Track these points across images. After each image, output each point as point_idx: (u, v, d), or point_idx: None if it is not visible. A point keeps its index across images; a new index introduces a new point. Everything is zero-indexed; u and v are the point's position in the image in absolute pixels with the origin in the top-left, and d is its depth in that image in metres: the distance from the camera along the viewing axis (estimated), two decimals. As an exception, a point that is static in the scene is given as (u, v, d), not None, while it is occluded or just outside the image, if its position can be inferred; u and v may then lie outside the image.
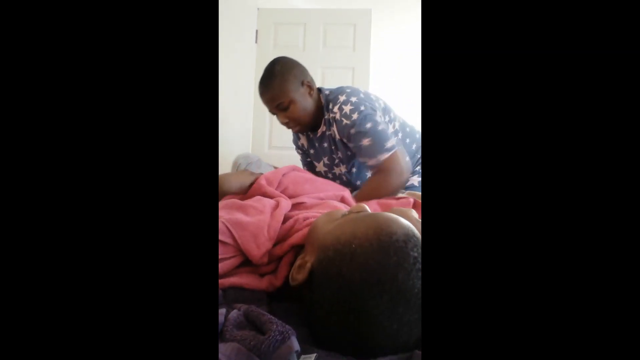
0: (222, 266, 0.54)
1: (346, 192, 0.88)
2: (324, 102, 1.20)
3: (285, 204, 0.67)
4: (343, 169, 1.25)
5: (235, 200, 0.69)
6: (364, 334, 0.39)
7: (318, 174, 1.32)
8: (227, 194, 0.86)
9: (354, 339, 0.40)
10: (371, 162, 1.08)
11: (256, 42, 2.40)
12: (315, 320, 0.44)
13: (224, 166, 2.19)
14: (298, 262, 0.49)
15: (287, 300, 0.53)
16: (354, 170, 1.24)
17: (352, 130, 1.09)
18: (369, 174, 1.24)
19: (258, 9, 2.40)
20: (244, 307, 0.44)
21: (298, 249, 0.58)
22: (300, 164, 1.47)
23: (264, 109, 2.39)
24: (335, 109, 1.12)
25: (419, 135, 1.34)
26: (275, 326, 0.35)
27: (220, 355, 0.34)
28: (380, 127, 1.09)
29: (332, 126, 1.17)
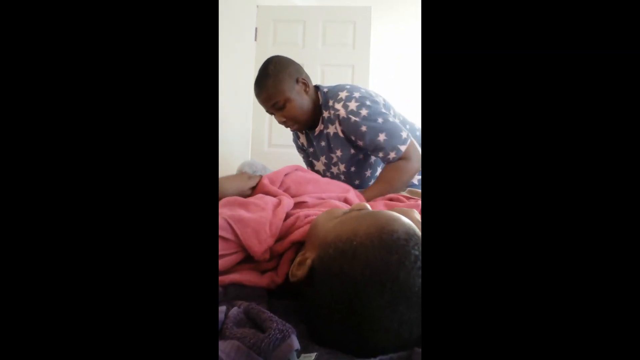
0: (223, 262, 0.54)
1: (350, 193, 0.87)
2: (322, 99, 1.18)
3: (287, 201, 0.68)
4: (342, 167, 1.24)
5: (237, 198, 0.69)
6: (364, 332, 0.39)
7: (317, 172, 1.32)
8: (224, 197, 0.85)
9: (354, 337, 0.40)
10: (392, 155, 1.09)
11: (255, 39, 2.39)
12: (316, 318, 0.44)
13: (224, 164, 2.19)
14: (298, 258, 0.48)
15: (287, 297, 0.53)
16: (352, 169, 1.23)
17: (364, 128, 1.08)
18: (367, 173, 1.25)
19: (257, 6, 2.39)
20: (244, 304, 0.44)
21: (299, 246, 0.58)
22: (303, 163, 1.47)
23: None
24: (339, 106, 1.11)
25: (418, 133, 1.34)
26: (275, 324, 0.35)
27: (220, 353, 0.34)
28: (391, 120, 1.11)
29: (334, 123, 1.15)
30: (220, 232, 0.55)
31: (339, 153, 1.21)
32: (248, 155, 2.40)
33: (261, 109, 2.34)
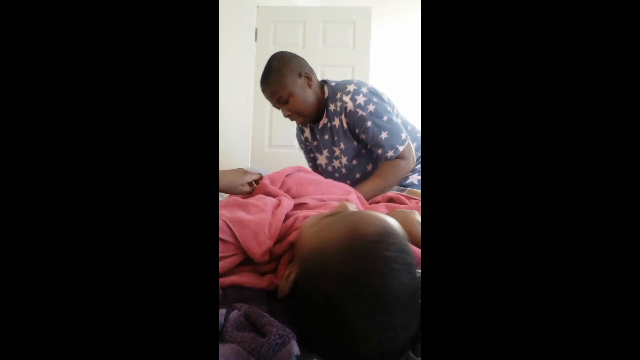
0: (223, 264, 0.54)
1: (352, 195, 0.87)
2: (329, 92, 1.22)
3: (287, 202, 0.67)
4: (344, 160, 1.26)
5: (237, 199, 0.69)
6: (346, 347, 0.38)
7: (319, 165, 1.37)
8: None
9: (339, 352, 0.38)
10: (390, 153, 1.16)
11: (256, 40, 2.39)
12: (303, 332, 0.43)
13: (224, 165, 2.18)
14: (287, 272, 0.48)
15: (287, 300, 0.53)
16: (354, 162, 1.26)
17: (369, 123, 1.14)
18: (369, 167, 1.27)
19: (257, 6, 2.39)
20: (244, 307, 0.43)
21: (297, 247, 0.57)
22: (303, 163, 1.47)
23: (264, 108, 2.40)
24: (347, 99, 1.15)
25: (419, 135, 1.35)
26: (275, 329, 0.35)
27: (219, 357, 0.34)
28: (394, 119, 1.17)
29: (339, 116, 1.19)
30: (220, 234, 0.55)
31: (342, 146, 1.24)
32: (248, 155, 2.40)
33: (262, 109, 2.35)
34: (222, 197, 1.10)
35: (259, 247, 0.55)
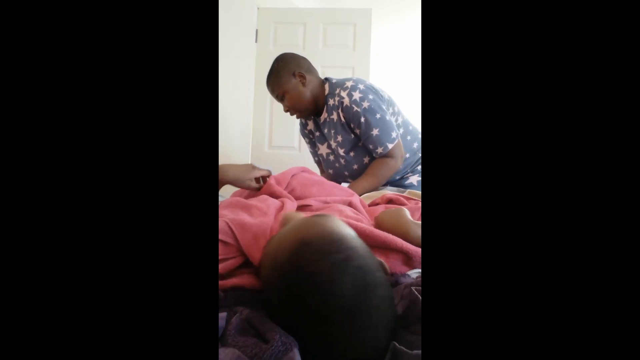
0: (224, 266, 0.54)
1: (354, 197, 0.87)
2: (330, 89, 1.30)
3: (291, 205, 0.67)
4: (341, 152, 1.33)
5: (240, 200, 0.69)
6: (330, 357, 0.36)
7: (320, 155, 1.45)
8: (222, 183, 0.85)
9: None
10: (379, 150, 1.23)
11: (256, 41, 2.39)
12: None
13: (224, 166, 2.18)
14: None
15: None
16: (351, 154, 1.32)
17: (362, 119, 1.21)
18: (366, 160, 1.32)
19: (258, 8, 2.39)
20: (245, 311, 0.43)
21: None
22: (303, 164, 1.49)
23: (264, 109, 2.40)
24: (344, 94, 1.23)
25: (420, 135, 1.36)
26: (278, 336, 0.34)
27: (220, 362, 0.33)
28: (387, 118, 1.22)
29: (337, 110, 1.26)
30: (221, 236, 0.55)
31: (339, 138, 1.31)
32: (248, 157, 2.40)
33: (262, 111, 2.35)
34: (222, 197, 1.10)
35: (259, 252, 0.54)
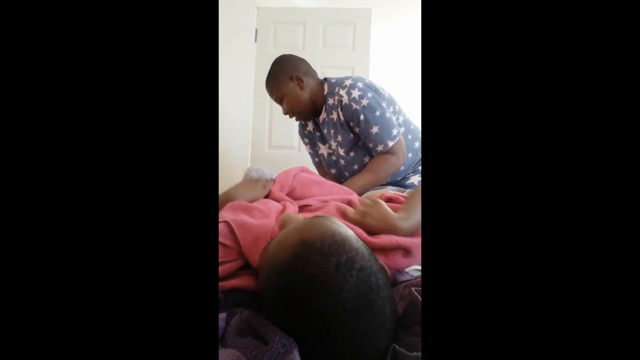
0: (224, 269, 0.54)
1: (353, 196, 0.87)
2: (329, 89, 1.28)
3: (292, 208, 0.67)
4: (341, 152, 1.31)
5: (242, 202, 0.69)
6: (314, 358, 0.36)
7: (321, 155, 1.43)
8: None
9: None
10: (380, 147, 1.20)
11: (255, 41, 2.38)
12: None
13: (224, 166, 2.18)
14: None
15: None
16: (351, 154, 1.30)
17: (362, 117, 1.19)
18: (366, 159, 1.30)
19: (257, 7, 2.38)
20: (245, 312, 0.43)
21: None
22: (302, 164, 1.48)
23: (264, 109, 2.40)
24: (343, 92, 1.21)
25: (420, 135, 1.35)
26: (278, 337, 0.34)
27: (220, 363, 0.33)
28: (387, 115, 1.20)
29: (337, 109, 1.24)
30: (221, 239, 0.55)
31: (339, 138, 1.29)
32: (248, 157, 2.40)
33: (262, 111, 2.34)
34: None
35: (258, 254, 0.54)
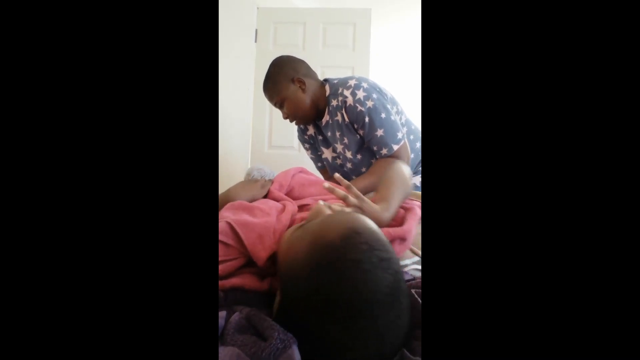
0: (224, 268, 0.54)
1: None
2: (331, 90, 1.23)
3: (292, 207, 0.68)
4: (349, 155, 1.27)
5: (242, 202, 0.69)
6: (337, 355, 0.37)
7: (325, 160, 1.38)
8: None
9: None
10: (384, 151, 1.17)
11: (255, 41, 2.39)
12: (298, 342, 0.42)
13: (224, 166, 2.18)
14: (277, 292, 0.47)
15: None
16: (359, 156, 1.26)
17: (367, 119, 1.15)
18: (373, 161, 1.27)
19: (257, 8, 2.39)
20: (245, 310, 0.43)
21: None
22: (303, 164, 1.47)
23: (264, 109, 2.40)
24: (347, 93, 1.16)
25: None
26: (277, 333, 0.35)
27: (220, 360, 0.34)
28: (392, 118, 1.16)
29: (341, 110, 1.19)
30: (222, 238, 0.55)
31: (345, 140, 1.24)
32: (248, 157, 2.40)
33: (262, 110, 2.34)
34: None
35: (264, 252, 0.54)
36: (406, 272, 0.60)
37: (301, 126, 1.40)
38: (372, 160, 1.27)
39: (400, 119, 1.27)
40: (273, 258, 0.57)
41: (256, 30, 2.39)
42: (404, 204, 0.74)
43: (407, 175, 0.78)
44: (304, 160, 1.51)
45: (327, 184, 0.65)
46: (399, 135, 1.17)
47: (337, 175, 0.66)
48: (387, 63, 3.76)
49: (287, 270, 0.43)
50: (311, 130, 1.39)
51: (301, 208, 0.74)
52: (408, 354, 0.38)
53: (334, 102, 1.22)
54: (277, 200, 0.76)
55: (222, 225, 0.57)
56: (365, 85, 1.17)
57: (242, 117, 2.40)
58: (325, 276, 0.38)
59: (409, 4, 3.16)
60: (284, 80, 1.20)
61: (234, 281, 0.53)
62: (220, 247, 0.55)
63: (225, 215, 0.61)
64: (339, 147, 1.28)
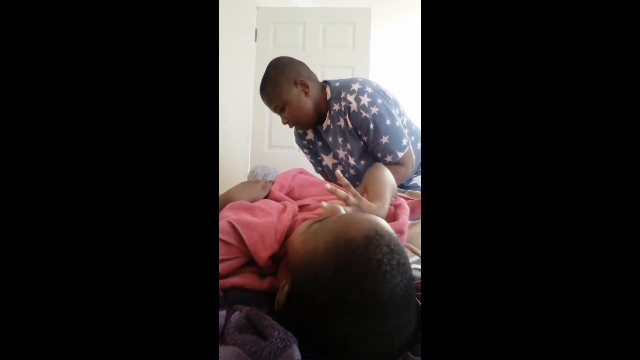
0: (224, 267, 0.54)
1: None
2: (333, 93, 1.17)
3: (292, 207, 0.68)
4: (352, 161, 1.22)
5: (242, 202, 0.69)
6: (341, 353, 0.37)
7: (326, 166, 1.32)
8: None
9: (334, 358, 0.38)
10: (388, 158, 1.13)
11: (255, 41, 2.39)
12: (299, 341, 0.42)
13: (224, 166, 2.18)
14: (282, 283, 0.47)
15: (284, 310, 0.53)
16: (362, 162, 1.22)
17: (371, 126, 1.10)
18: None
19: (257, 7, 2.39)
20: (245, 309, 0.43)
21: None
22: (303, 164, 1.46)
23: (264, 109, 2.40)
24: (351, 98, 1.11)
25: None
26: (277, 332, 0.35)
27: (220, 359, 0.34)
28: (397, 124, 1.12)
29: (344, 116, 1.14)
30: (223, 237, 0.55)
31: (348, 146, 1.19)
32: (248, 157, 2.40)
33: (261, 110, 2.34)
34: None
35: (265, 251, 0.54)
36: None
37: (299, 131, 1.33)
38: None
39: (403, 120, 1.23)
40: (274, 258, 0.57)
41: (256, 30, 2.39)
42: (392, 201, 0.77)
43: (391, 175, 0.83)
44: (304, 160, 1.50)
45: (328, 185, 0.65)
46: (404, 142, 1.13)
47: (337, 172, 0.66)
48: (387, 63, 3.76)
49: (302, 265, 0.43)
50: (310, 135, 1.33)
51: (301, 208, 0.75)
52: (412, 355, 0.38)
53: (335, 107, 1.15)
54: (277, 200, 0.76)
55: (223, 224, 0.57)
56: (369, 89, 1.11)
57: (242, 117, 2.40)
58: (346, 273, 0.38)
59: (409, 4, 3.16)
60: (285, 82, 1.12)
61: (234, 280, 0.53)
62: (221, 246, 0.55)
63: (227, 215, 0.61)
64: (341, 153, 1.23)
